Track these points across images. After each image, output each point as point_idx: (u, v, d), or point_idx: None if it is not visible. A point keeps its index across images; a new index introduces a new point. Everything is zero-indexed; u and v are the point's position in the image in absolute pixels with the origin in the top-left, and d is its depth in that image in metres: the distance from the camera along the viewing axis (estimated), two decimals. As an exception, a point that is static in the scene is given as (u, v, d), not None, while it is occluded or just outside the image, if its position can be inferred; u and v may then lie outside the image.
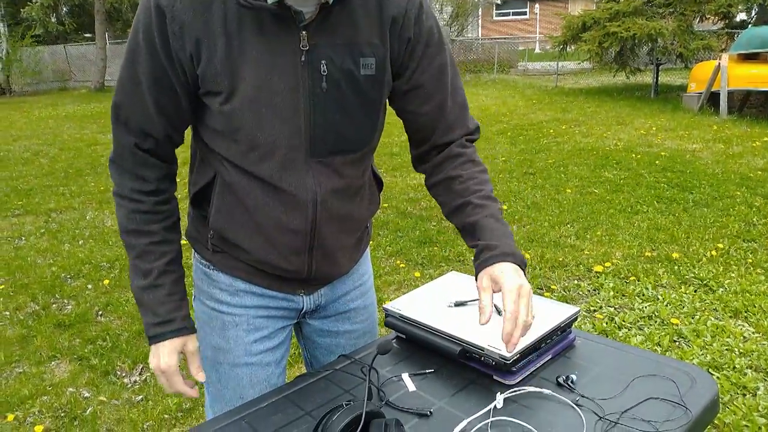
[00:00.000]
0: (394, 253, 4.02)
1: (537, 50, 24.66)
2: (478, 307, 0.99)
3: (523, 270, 1.00)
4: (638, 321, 2.99)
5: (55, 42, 19.81)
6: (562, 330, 1.22)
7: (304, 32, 0.94)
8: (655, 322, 2.97)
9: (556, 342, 1.21)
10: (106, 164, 7.08)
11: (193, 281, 1.22)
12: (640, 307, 3.13)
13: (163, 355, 1.06)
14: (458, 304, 1.30)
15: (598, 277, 3.53)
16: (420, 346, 1.25)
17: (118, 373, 2.70)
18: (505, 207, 4.93)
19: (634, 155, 6.54)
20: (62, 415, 2.39)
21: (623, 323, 2.97)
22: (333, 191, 1.07)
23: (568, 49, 13.41)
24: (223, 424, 1.02)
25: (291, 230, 1.07)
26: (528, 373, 1.14)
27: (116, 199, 1.09)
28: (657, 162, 6.17)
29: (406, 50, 1.05)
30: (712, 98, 9.04)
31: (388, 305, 1.30)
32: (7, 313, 3.33)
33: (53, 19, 20.28)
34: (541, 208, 4.88)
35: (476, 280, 1.03)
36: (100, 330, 3.09)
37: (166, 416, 2.36)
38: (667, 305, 3.12)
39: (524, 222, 4.57)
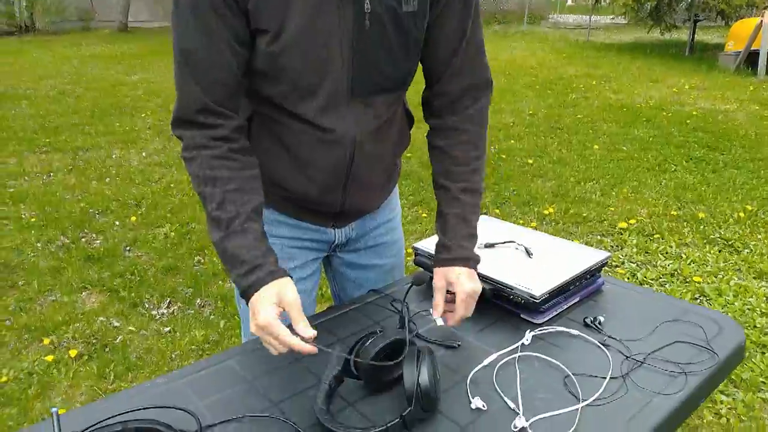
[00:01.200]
0: (417, 202, 4.03)
1: (569, 2, 23.82)
2: (432, 304, 1.08)
3: (475, 269, 1.08)
4: (660, 278, 2.99)
5: (79, -20, 19.56)
6: (591, 274, 1.23)
7: None
8: (678, 279, 2.97)
9: (585, 285, 1.22)
10: (131, 105, 7.13)
11: None
12: (663, 264, 3.12)
13: (259, 310, 0.89)
14: (488, 246, 1.31)
15: (621, 234, 3.50)
16: (448, 284, 1.26)
17: (146, 305, 2.78)
18: (530, 161, 4.88)
19: (664, 113, 6.38)
20: (94, 341, 2.49)
21: (645, 279, 2.97)
22: (370, 130, 1.07)
23: (602, 2, 12.95)
24: (258, 346, 1.06)
25: (328, 168, 1.08)
26: (555, 313, 1.16)
27: (186, 155, 0.98)
28: (688, 121, 6.01)
29: None
30: (751, 58, 8.71)
31: (418, 244, 1.32)
32: (39, 244, 3.42)
33: (77, -44, 19.96)
34: (567, 164, 4.81)
35: (433, 273, 1.10)
36: (128, 264, 3.17)
37: (193, 347, 2.45)
38: (690, 263, 3.11)
39: (549, 177, 4.52)
